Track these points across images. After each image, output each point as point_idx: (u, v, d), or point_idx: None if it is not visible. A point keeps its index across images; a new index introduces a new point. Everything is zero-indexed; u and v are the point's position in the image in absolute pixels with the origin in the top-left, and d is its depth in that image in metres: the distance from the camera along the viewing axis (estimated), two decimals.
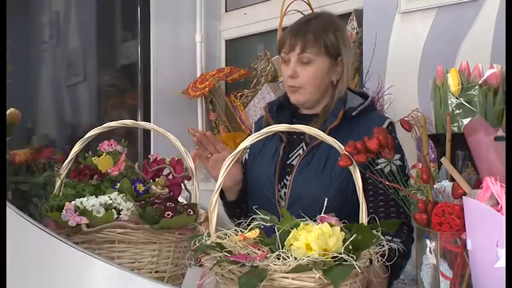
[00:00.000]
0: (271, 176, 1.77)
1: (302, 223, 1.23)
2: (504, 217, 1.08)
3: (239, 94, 3.24)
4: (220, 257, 1.18)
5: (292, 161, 1.78)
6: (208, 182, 3.05)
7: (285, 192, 1.75)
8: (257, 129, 1.84)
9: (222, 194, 1.82)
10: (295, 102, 1.81)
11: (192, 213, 1.51)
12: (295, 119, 1.82)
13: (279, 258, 1.15)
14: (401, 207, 1.34)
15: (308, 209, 1.36)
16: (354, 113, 1.75)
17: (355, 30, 2.62)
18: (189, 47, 3.45)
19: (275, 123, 1.63)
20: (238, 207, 1.85)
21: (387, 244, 1.22)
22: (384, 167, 1.35)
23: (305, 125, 1.33)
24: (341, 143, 1.32)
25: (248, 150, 1.88)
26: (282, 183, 1.76)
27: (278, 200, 1.75)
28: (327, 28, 1.78)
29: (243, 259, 1.15)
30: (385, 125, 1.75)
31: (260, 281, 1.11)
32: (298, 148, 1.79)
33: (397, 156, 1.69)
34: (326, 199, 1.38)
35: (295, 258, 1.14)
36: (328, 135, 1.34)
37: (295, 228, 1.21)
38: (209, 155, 1.75)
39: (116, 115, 3.70)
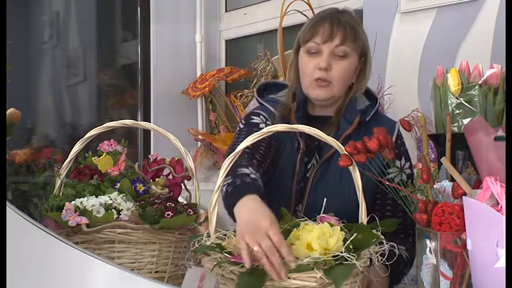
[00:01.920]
0: (287, 188, 1.63)
1: (302, 223, 1.23)
2: (504, 217, 1.08)
3: (239, 94, 3.24)
4: (220, 257, 1.19)
5: (308, 173, 1.65)
6: (209, 182, 3.06)
7: (300, 206, 1.64)
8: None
9: None
10: (318, 98, 1.65)
11: (192, 213, 1.52)
12: (309, 122, 1.58)
13: None
14: (410, 218, 1.30)
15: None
16: (367, 119, 1.66)
17: None
18: (189, 47, 3.45)
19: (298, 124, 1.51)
20: None
21: (387, 243, 1.22)
22: (395, 176, 1.33)
23: (319, 128, 1.28)
24: None
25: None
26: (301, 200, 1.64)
27: (294, 211, 1.63)
28: (359, 24, 1.69)
29: (242, 260, 1.14)
30: (396, 130, 1.68)
31: (260, 281, 1.11)
32: (312, 158, 1.66)
33: (407, 164, 1.64)
34: (325, 199, 1.36)
35: (296, 258, 1.14)
36: (342, 142, 1.33)
37: (295, 228, 1.21)
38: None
39: (116, 115, 3.70)
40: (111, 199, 1.50)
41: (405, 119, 1.42)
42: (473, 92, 1.42)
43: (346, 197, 1.57)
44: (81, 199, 1.49)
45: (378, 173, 1.32)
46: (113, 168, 1.61)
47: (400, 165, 1.58)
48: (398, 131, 1.68)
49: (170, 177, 1.65)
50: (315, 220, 1.29)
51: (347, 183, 1.52)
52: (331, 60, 1.62)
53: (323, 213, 1.31)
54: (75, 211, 1.45)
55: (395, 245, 1.52)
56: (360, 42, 1.65)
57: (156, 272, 1.51)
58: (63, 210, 1.45)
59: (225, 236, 1.24)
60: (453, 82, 1.44)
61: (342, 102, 1.69)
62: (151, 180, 1.63)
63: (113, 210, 1.48)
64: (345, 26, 1.63)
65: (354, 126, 1.64)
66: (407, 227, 1.61)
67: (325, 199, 1.36)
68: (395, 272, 1.54)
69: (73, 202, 1.48)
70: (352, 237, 1.17)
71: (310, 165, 1.65)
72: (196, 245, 1.22)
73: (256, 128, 1.66)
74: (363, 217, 1.27)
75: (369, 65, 1.70)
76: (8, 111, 1.77)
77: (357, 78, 1.69)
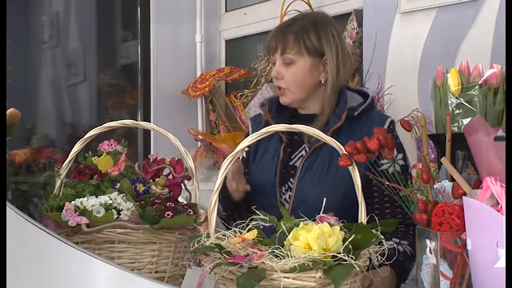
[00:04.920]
0: (272, 178, 1.74)
1: (302, 223, 1.23)
2: (504, 217, 1.08)
3: (239, 94, 3.24)
4: (220, 258, 1.19)
5: (294, 162, 1.75)
6: (209, 182, 3.06)
7: (289, 195, 1.72)
8: (256, 128, 1.82)
9: (227, 197, 1.76)
10: (283, 103, 1.79)
11: (192, 213, 1.52)
12: (295, 120, 1.77)
13: (277, 256, 1.15)
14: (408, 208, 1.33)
15: (312, 213, 1.33)
16: (356, 113, 1.73)
17: (355, 30, 2.61)
18: (189, 47, 3.45)
19: (275, 123, 1.61)
20: (240, 208, 1.77)
21: (390, 244, 1.22)
22: (388, 167, 1.34)
23: (306, 125, 1.32)
24: (343, 144, 1.31)
25: (246, 149, 1.84)
26: (286, 185, 1.73)
27: (281, 202, 1.71)
28: (308, 28, 1.75)
29: (241, 260, 1.14)
30: (386, 124, 1.73)
31: (258, 281, 1.11)
32: (300, 149, 1.76)
33: (400, 155, 1.68)
34: (325, 199, 1.37)
35: (293, 257, 1.14)
36: (330, 136, 1.34)
37: (295, 228, 1.21)
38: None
39: (116, 115, 3.70)
40: (111, 199, 1.50)
41: (405, 119, 1.42)
42: (473, 92, 1.42)
43: (333, 186, 1.67)
44: (81, 199, 1.49)
45: (371, 164, 1.32)
46: (113, 168, 1.61)
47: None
48: (390, 124, 1.75)
49: (170, 177, 1.65)
50: (314, 220, 1.29)
51: (333, 173, 1.68)
52: (282, 69, 1.75)
53: (322, 213, 1.31)
54: (75, 211, 1.45)
55: (395, 245, 1.52)
56: (304, 45, 1.73)
57: (156, 272, 1.51)
58: (63, 210, 1.45)
59: (225, 236, 1.23)
60: (453, 82, 1.44)
61: (327, 99, 1.76)
62: (151, 180, 1.63)
63: (113, 210, 1.48)
64: (286, 35, 1.75)
65: (342, 121, 1.72)
66: (407, 216, 1.61)
67: (324, 199, 1.36)
68: (401, 270, 1.55)
69: (73, 202, 1.48)
70: (351, 238, 1.17)
71: (294, 155, 1.76)
72: (196, 245, 1.22)
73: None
74: (363, 217, 1.27)
75: (333, 62, 1.75)
76: (8, 111, 1.77)
77: (326, 75, 1.77)
